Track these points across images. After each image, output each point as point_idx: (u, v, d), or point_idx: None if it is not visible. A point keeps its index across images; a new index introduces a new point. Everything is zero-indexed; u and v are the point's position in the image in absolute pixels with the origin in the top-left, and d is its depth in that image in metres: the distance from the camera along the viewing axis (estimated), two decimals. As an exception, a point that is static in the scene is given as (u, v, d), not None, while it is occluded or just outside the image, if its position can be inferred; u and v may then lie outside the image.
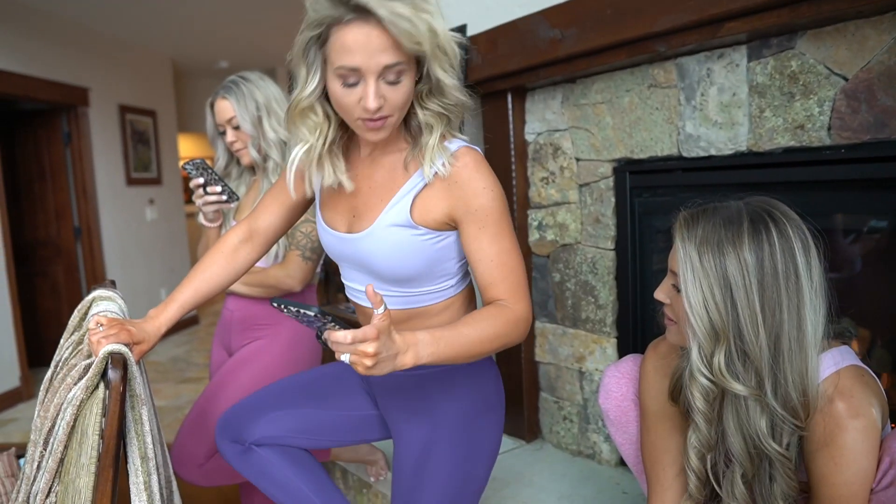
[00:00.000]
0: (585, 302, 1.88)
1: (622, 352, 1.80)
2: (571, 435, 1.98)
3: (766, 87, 1.42)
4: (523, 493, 1.77)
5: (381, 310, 0.90)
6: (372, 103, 1.00)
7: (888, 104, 1.24)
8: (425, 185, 1.10)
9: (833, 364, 0.98)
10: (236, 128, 1.79)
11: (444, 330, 0.99)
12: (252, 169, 1.87)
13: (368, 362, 0.89)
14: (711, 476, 1.07)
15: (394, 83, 1.01)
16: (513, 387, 2.08)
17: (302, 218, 1.88)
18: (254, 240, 1.34)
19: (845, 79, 1.29)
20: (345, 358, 0.90)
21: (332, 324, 0.90)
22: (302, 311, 0.92)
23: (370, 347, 0.88)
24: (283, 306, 0.96)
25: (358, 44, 0.97)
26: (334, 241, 1.20)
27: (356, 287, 1.23)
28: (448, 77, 1.06)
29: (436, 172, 1.08)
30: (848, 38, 1.28)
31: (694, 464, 1.07)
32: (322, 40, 1.00)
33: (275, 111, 1.81)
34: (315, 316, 0.91)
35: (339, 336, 0.88)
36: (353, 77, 1.00)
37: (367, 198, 1.16)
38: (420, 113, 1.09)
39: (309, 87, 1.05)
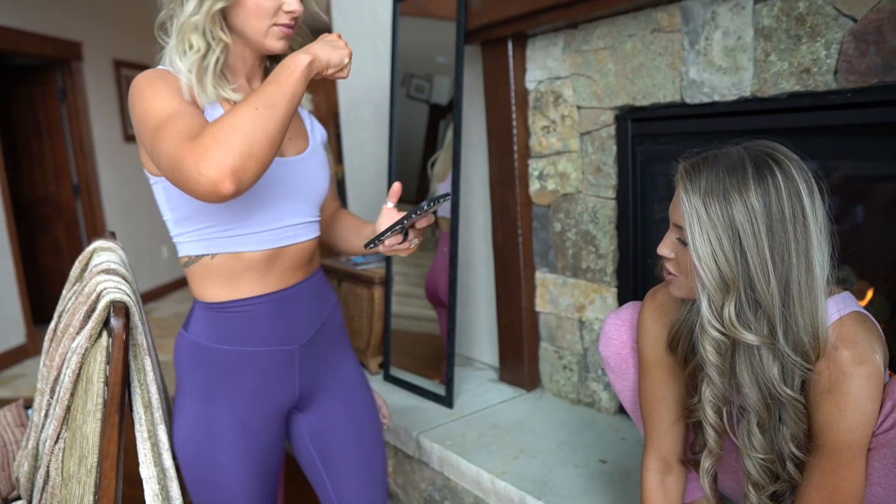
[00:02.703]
0: (586, 252, 1.88)
1: (622, 301, 1.80)
2: (571, 384, 2.00)
3: (772, 30, 1.39)
4: (523, 440, 1.80)
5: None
6: (298, 4, 1.08)
7: (897, 45, 1.21)
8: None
9: (836, 311, 0.98)
10: None
11: None
12: None
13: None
14: (728, 428, 1.08)
15: None
16: (513, 337, 2.10)
17: None
18: None
19: (854, 20, 1.26)
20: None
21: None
22: (442, 199, 1.03)
23: None
24: (440, 200, 1.04)
25: None
26: (274, 167, 1.14)
27: (278, 226, 1.15)
28: None
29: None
30: (858, -22, 1.25)
31: (711, 418, 1.06)
32: None
33: None
34: (446, 195, 1.04)
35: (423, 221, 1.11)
36: None
37: None
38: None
39: None
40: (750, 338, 0.95)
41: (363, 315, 2.31)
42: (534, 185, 1.99)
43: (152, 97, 1.01)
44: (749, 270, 0.94)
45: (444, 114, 2.12)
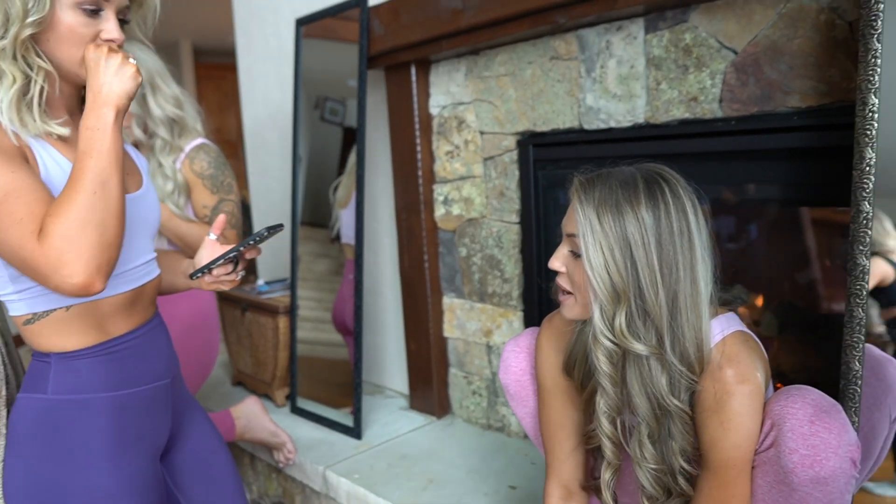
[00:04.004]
0: (492, 276, 1.88)
1: (528, 324, 1.81)
2: (481, 409, 1.99)
3: (662, 60, 1.44)
4: (433, 469, 1.77)
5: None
6: (118, 33, 0.99)
7: (773, 77, 1.27)
8: None
9: (720, 331, 1.01)
10: None
11: None
12: (134, 147, 1.77)
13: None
14: (622, 440, 1.09)
15: (123, 23, 1.02)
16: (422, 363, 2.07)
17: (218, 198, 1.81)
18: None
19: (735, 52, 1.32)
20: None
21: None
22: (274, 231, 1.04)
23: None
24: (273, 230, 1.05)
25: None
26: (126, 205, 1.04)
27: (134, 265, 1.08)
28: None
29: None
30: (737, 13, 1.31)
31: (606, 428, 1.07)
32: None
33: (159, 87, 1.73)
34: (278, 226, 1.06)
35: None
36: (96, 6, 0.97)
37: None
38: None
39: (36, 12, 0.92)
40: (639, 347, 0.97)
41: (268, 345, 2.22)
42: (439, 210, 1.98)
43: None
44: (639, 281, 0.96)
45: (357, 137, 2.09)
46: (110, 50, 0.95)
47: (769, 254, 1.55)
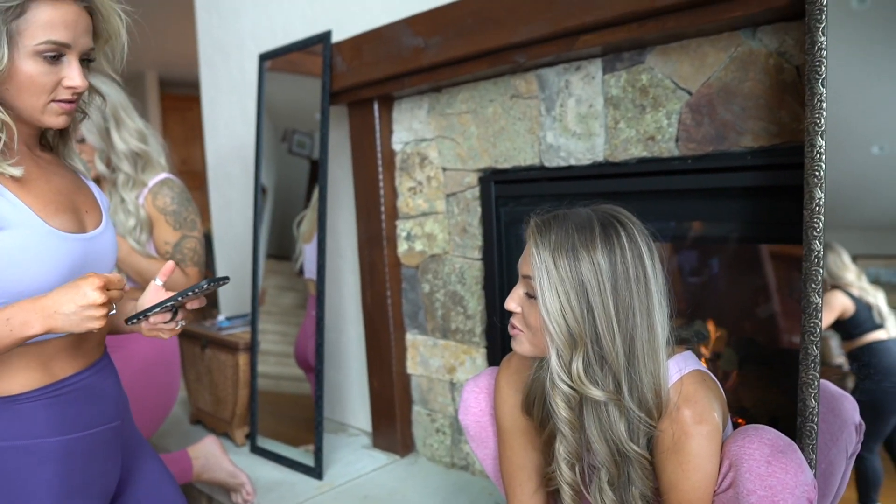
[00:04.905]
0: (455, 312, 1.87)
1: (491, 361, 1.80)
2: (445, 447, 1.96)
3: (619, 100, 1.46)
4: (395, 511, 1.73)
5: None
6: (81, 80, 0.98)
7: (727, 118, 1.30)
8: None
9: (677, 371, 1.01)
10: (81, 140, 1.66)
11: None
12: (96, 181, 1.74)
13: None
14: (582, 486, 1.07)
15: (89, 61, 1.02)
16: (385, 401, 2.04)
17: (180, 234, 1.77)
18: None
19: (689, 93, 1.35)
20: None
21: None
22: (219, 282, 1.01)
23: None
24: (216, 283, 1.01)
25: (69, 20, 0.95)
26: (76, 246, 1.02)
27: None
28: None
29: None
30: (691, 55, 1.34)
31: (566, 475, 1.06)
32: (17, 13, 0.92)
33: (123, 120, 1.71)
34: (224, 279, 1.02)
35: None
36: (58, 53, 0.95)
37: (69, 191, 1.07)
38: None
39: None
40: (597, 393, 0.97)
41: (228, 383, 2.17)
42: (402, 246, 1.97)
43: None
44: (595, 326, 0.96)
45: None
46: (105, 304, 0.91)
47: (728, 290, 1.57)
